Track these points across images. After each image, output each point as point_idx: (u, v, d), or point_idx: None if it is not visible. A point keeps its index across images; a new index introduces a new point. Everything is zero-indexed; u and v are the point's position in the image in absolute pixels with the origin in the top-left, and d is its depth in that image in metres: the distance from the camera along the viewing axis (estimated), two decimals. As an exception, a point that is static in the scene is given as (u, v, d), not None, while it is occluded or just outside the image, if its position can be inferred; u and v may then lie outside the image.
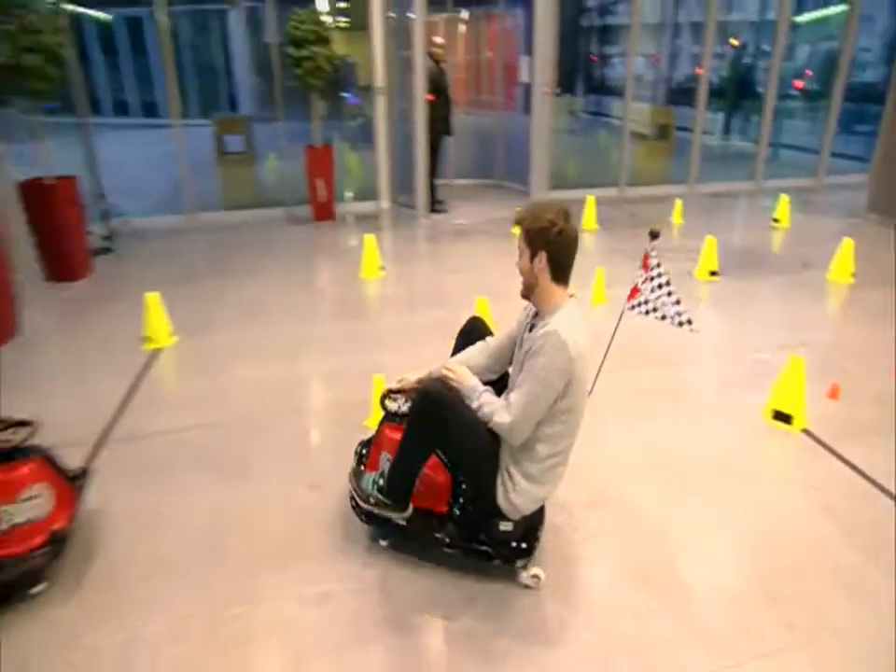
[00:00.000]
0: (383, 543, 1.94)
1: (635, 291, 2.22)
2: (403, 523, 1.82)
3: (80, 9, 11.61)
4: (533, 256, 1.64)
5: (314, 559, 1.91)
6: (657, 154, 8.16)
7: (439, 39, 5.88)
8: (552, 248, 1.61)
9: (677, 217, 5.81)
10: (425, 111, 5.43)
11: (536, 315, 1.72)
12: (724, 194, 6.98)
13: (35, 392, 2.90)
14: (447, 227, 5.69)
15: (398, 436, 1.79)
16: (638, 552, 1.95)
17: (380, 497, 1.79)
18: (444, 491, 1.85)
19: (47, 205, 4.10)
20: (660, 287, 2.09)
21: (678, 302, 2.11)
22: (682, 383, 3.03)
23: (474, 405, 1.65)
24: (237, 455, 2.44)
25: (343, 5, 12.73)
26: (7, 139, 4.37)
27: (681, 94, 10.48)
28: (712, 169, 7.29)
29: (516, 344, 1.78)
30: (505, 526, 1.72)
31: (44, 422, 1.90)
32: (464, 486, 1.84)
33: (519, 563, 1.77)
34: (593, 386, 2.23)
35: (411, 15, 5.43)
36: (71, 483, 1.94)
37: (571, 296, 1.68)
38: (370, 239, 4.31)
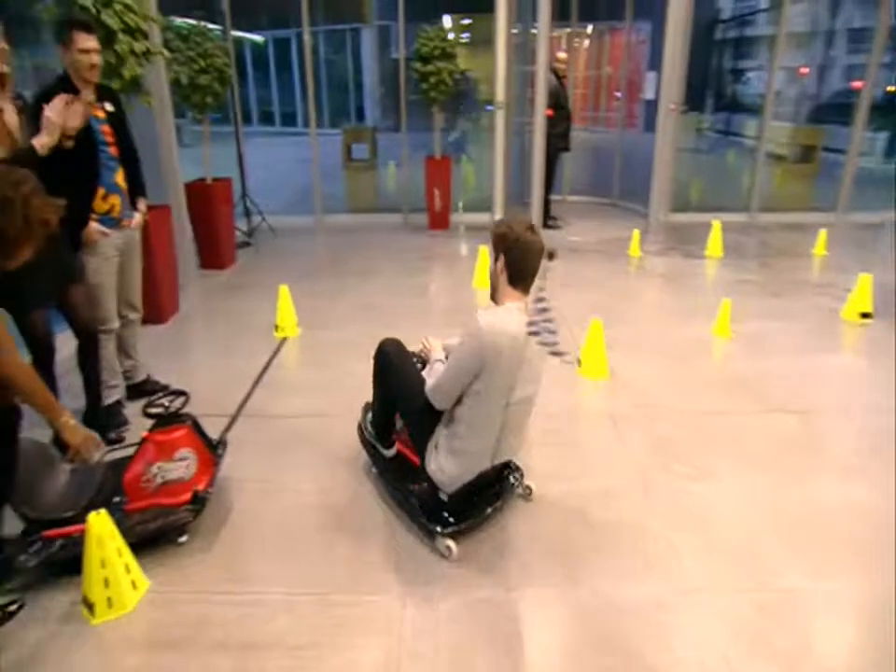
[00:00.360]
0: (374, 470, 2.33)
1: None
2: (388, 457, 2.22)
3: (241, 34, 13.10)
4: (496, 259, 1.84)
5: (419, 559, 1.96)
6: (798, 177, 7.49)
7: (562, 55, 5.91)
8: (509, 253, 1.81)
9: (819, 248, 5.28)
10: (544, 126, 5.44)
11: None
12: (881, 225, 6.17)
13: (185, 363, 3.32)
14: (560, 243, 5.62)
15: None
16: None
17: (371, 431, 2.22)
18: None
19: (206, 202, 4.70)
20: (544, 310, 1.86)
21: (554, 332, 1.86)
22: (820, 433, 2.73)
23: (424, 372, 1.99)
24: (348, 444, 2.57)
25: (467, 21, 13.16)
26: (180, 144, 5.01)
27: (831, 111, 9.50)
28: (868, 196, 6.51)
29: None
30: (442, 496, 1.96)
31: (190, 391, 2.15)
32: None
33: (439, 529, 1.94)
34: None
35: (534, 30, 5.48)
36: (211, 450, 2.17)
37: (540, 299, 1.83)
38: (483, 250, 4.38)
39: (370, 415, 2.30)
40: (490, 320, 1.76)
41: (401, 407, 2.07)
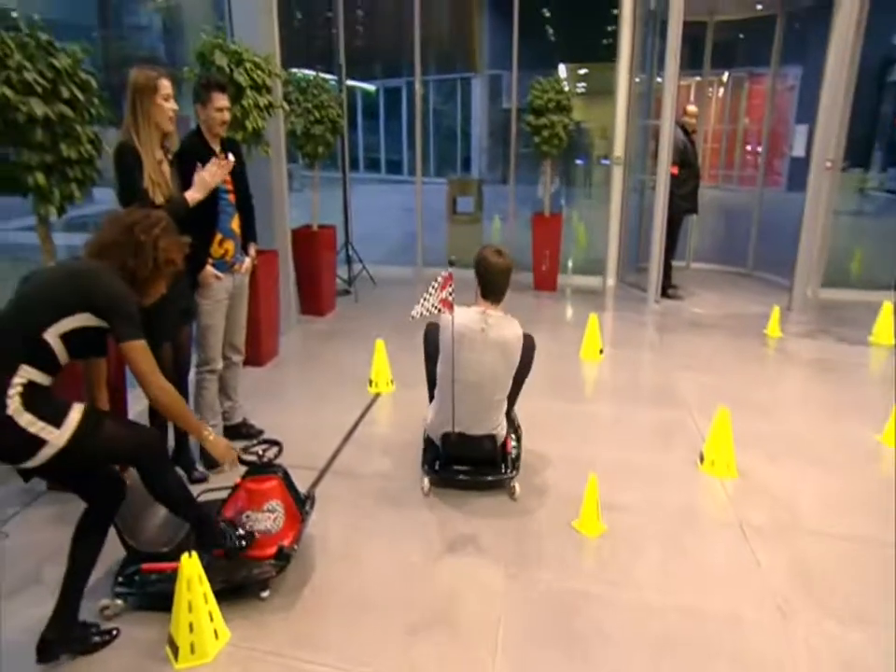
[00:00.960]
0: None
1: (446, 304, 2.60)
2: None
3: (355, 83, 14.65)
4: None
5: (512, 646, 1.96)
6: None
7: (692, 108, 5.93)
8: (477, 271, 2.76)
9: None
10: (667, 184, 5.47)
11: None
12: None
13: (280, 409, 3.64)
14: (681, 315, 5.55)
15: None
16: None
17: None
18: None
19: (311, 249, 5.23)
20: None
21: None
22: None
23: None
24: (438, 514, 2.68)
25: (583, 71, 13.77)
26: (289, 188, 5.61)
27: None
28: None
29: None
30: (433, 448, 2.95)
31: (281, 439, 2.36)
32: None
33: (425, 468, 2.90)
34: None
35: (660, 80, 5.60)
36: (299, 506, 2.33)
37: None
38: (593, 318, 4.44)
39: None
40: (448, 317, 2.60)
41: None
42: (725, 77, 12.47)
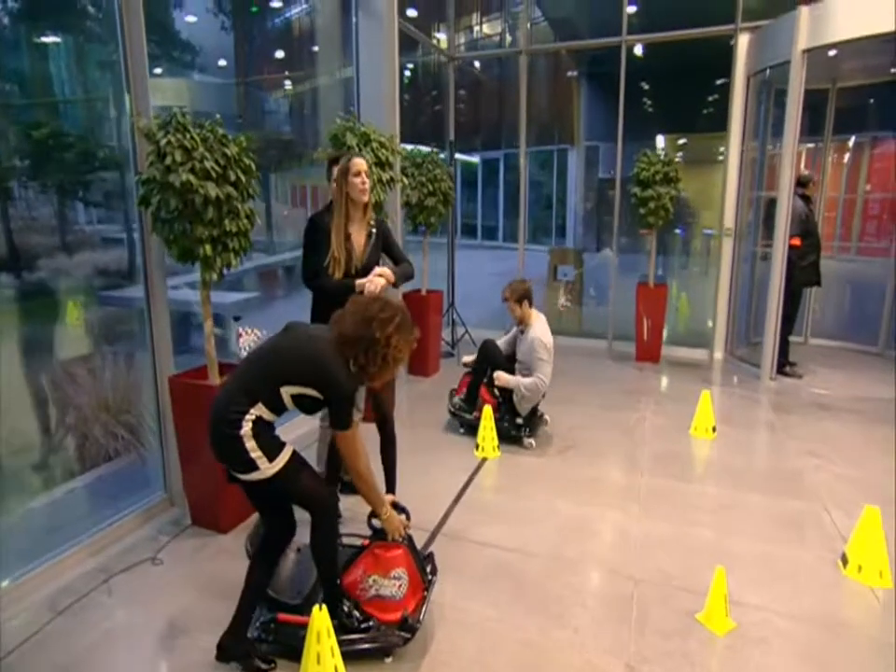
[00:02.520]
0: (461, 430, 4.34)
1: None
2: (471, 419, 4.24)
3: (459, 156, 15.58)
4: (521, 305, 4.08)
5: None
6: None
7: (809, 173, 5.74)
8: (526, 297, 4.08)
9: None
10: (785, 256, 5.29)
11: (523, 328, 4.16)
12: None
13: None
14: (801, 396, 5.22)
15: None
16: None
17: (462, 405, 4.29)
18: (492, 408, 4.11)
19: (420, 312, 5.49)
20: None
21: None
22: None
23: (511, 385, 4.08)
24: (549, 594, 2.63)
25: (682, 141, 13.83)
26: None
27: None
28: None
29: (517, 341, 4.27)
30: (519, 420, 4.15)
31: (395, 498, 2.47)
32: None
33: (524, 434, 4.12)
34: None
35: (772, 147, 5.50)
36: (422, 575, 2.39)
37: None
38: (706, 394, 4.31)
39: (456, 398, 4.40)
40: (541, 332, 4.04)
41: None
42: (845, 142, 11.99)
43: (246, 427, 1.97)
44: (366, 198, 2.89)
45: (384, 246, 3.09)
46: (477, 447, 4.04)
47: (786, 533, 3.10)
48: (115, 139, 4.04)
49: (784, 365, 5.60)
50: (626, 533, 3.11)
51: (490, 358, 4.18)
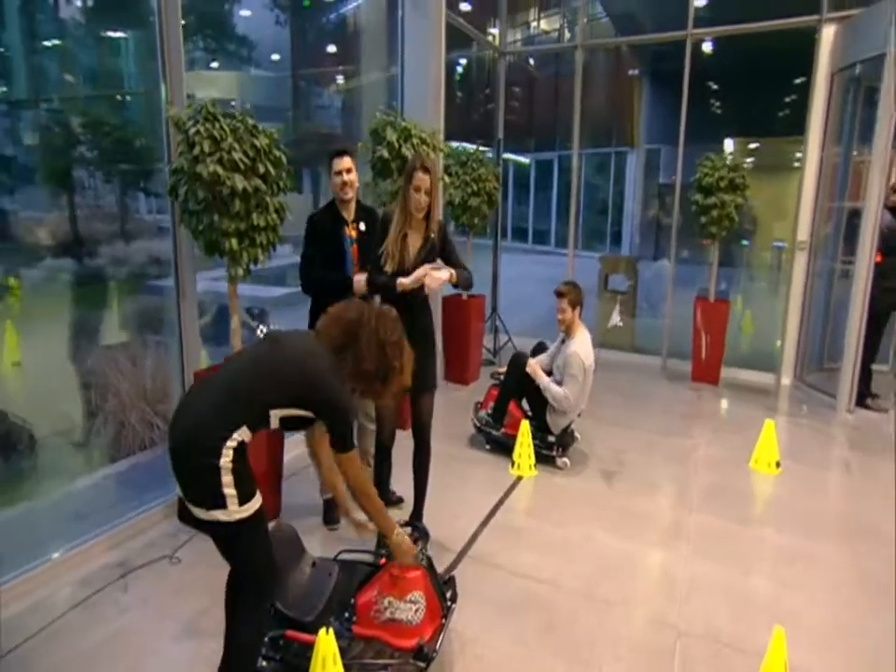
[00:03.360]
0: (487, 447, 4.18)
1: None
2: (499, 434, 4.10)
3: (510, 156, 15.45)
4: (574, 310, 3.90)
5: None
6: None
7: None
8: (581, 306, 3.94)
9: None
10: (870, 275, 4.89)
11: (565, 336, 4.03)
12: None
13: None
14: (883, 433, 4.76)
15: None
16: None
17: (489, 420, 4.13)
18: (518, 422, 3.98)
19: (460, 317, 5.43)
20: None
21: None
22: None
23: (541, 385, 3.92)
24: (580, 636, 2.45)
25: (753, 146, 13.26)
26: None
27: None
28: None
29: (557, 352, 4.09)
30: (550, 438, 3.97)
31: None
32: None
33: (556, 454, 3.96)
34: None
35: (857, 153, 5.11)
36: (441, 601, 2.26)
37: None
38: (769, 424, 3.98)
39: (482, 412, 4.24)
40: (583, 348, 3.85)
41: (532, 399, 4.02)
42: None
43: (227, 458, 1.72)
44: (420, 215, 2.79)
45: (442, 252, 2.99)
46: (512, 464, 3.87)
47: (861, 596, 2.76)
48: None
49: (865, 396, 5.15)
50: (671, 575, 2.87)
51: (524, 373, 3.96)
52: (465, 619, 2.48)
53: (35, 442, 3.47)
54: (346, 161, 3.09)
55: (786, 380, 5.76)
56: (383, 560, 2.26)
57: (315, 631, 1.93)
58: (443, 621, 2.23)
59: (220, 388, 1.85)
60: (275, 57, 8.93)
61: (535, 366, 3.95)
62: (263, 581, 1.90)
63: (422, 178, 2.70)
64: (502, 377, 4.16)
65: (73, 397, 3.87)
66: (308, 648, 1.97)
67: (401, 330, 2.04)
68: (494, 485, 3.67)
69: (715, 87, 12.89)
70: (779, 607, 2.64)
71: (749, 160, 13.25)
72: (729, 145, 12.02)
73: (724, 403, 5.39)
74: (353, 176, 3.12)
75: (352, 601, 2.23)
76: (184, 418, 1.82)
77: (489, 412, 4.16)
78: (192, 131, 2.81)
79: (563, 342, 4.02)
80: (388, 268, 2.78)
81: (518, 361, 4.01)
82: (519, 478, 3.80)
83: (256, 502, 1.81)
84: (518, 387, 4.01)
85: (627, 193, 15.45)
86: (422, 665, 2.07)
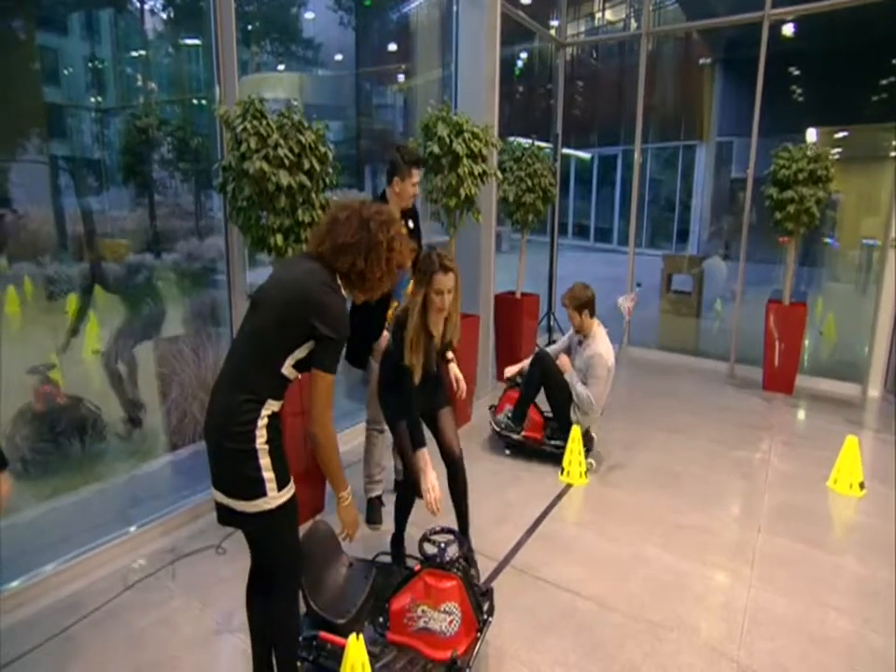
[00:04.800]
0: (507, 452, 4.08)
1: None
2: (519, 438, 4.01)
3: (571, 151, 15.13)
4: (580, 314, 3.78)
5: None
6: None
7: None
8: (591, 306, 3.79)
9: None
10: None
11: (581, 337, 3.91)
12: None
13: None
14: None
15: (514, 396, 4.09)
16: None
17: (509, 423, 4.02)
18: (539, 426, 4.06)
19: (513, 315, 5.33)
20: None
21: None
22: None
23: (569, 380, 3.82)
24: (628, 662, 2.30)
25: (841, 135, 12.38)
26: (498, 250, 5.78)
27: None
28: None
29: (572, 346, 4.01)
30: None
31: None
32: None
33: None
34: None
35: None
36: (477, 614, 2.17)
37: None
38: (852, 441, 3.63)
39: (499, 416, 4.12)
40: (605, 348, 3.75)
41: (555, 401, 3.90)
42: None
43: (261, 438, 1.70)
44: (442, 316, 2.58)
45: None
46: (561, 471, 3.73)
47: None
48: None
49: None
50: (732, 602, 2.65)
51: (547, 372, 3.85)
52: (503, 632, 2.39)
53: (105, 428, 3.70)
54: (421, 174, 3.17)
55: (874, 391, 5.31)
56: (418, 566, 2.17)
57: (348, 634, 1.89)
58: (478, 634, 2.15)
59: (234, 366, 1.79)
60: (338, 57, 9.10)
61: (565, 359, 3.88)
62: (298, 567, 1.91)
63: (442, 280, 2.47)
64: (520, 378, 4.05)
65: (142, 386, 4.08)
66: (341, 650, 1.92)
67: (392, 215, 1.87)
68: (541, 492, 3.55)
69: (796, 72, 12.14)
70: (861, 648, 2.38)
71: (835, 150, 12.36)
72: (812, 134, 11.25)
73: (799, 414, 5.01)
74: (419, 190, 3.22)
75: (386, 606, 2.19)
76: (213, 404, 1.80)
77: (508, 414, 4.07)
78: (240, 128, 2.84)
79: (580, 343, 3.90)
80: (416, 377, 2.52)
81: (543, 359, 3.89)
82: (568, 486, 3.65)
83: (292, 486, 1.81)
84: (539, 387, 3.92)
85: (696, 189, 14.81)
86: None
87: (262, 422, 1.71)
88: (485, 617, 2.21)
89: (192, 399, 3.84)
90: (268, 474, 1.71)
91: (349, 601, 2.18)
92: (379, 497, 3.28)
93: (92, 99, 5.10)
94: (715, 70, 14.31)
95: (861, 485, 3.60)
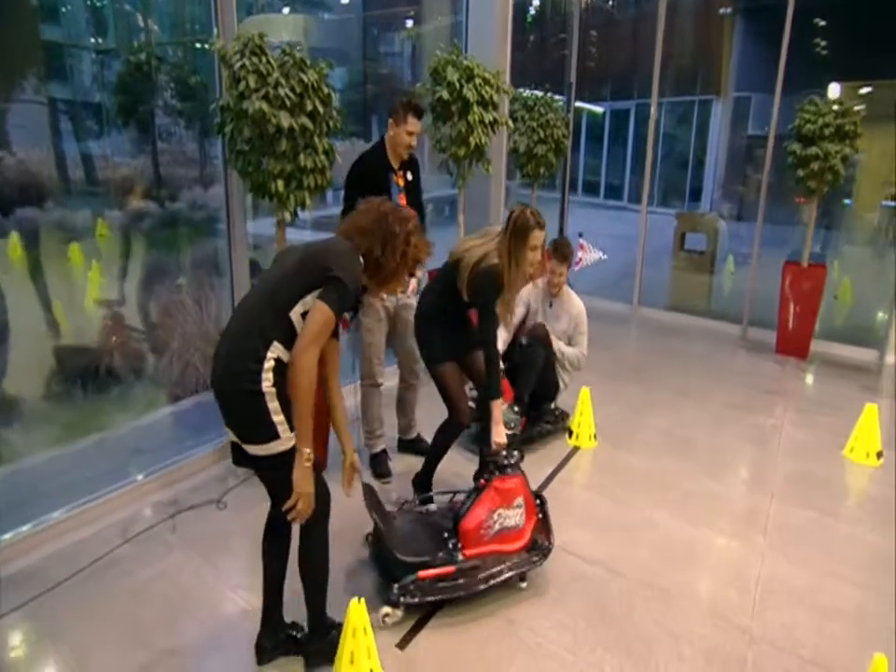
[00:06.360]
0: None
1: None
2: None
3: (583, 104, 14.56)
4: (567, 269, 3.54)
5: None
6: None
7: None
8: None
9: None
10: None
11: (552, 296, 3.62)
12: None
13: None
14: None
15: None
16: None
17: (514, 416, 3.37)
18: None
19: None
20: None
21: None
22: None
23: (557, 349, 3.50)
24: (635, 628, 2.23)
25: (866, 90, 11.84)
26: (506, 207, 5.54)
27: None
28: None
29: (535, 313, 3.65)
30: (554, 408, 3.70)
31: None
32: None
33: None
34: None
35: None
36: (534, 497, 2.51)
37: None
38: (871, 408, 3.49)
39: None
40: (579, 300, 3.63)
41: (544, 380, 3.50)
42: None
43: (268, 381, 1.68)
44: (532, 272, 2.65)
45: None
46: (570, 434, 3.61)
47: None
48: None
49: None
50: (745, 570, 2.57)
51: (546, 363, 3.45)
52: (507, 597, 2.33)
53: (114, 375, 3.73)
54: (420, 125, 3.02)
55: (891, 358, 5.12)
56: (483, 481, 2.37)
57: (438, 564, 2.21)
58: (539, 515, 2.51)
59: (245, 308, 1.82)
60: (345, 0, 8.65)
61: (561, 344, 3.54)
62: (325, 502, 1.86)
63: (539, 236, 2.54)
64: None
65: (145, 336, 4.08)
66: (441, 578, 2.20)
67: (409, 214, 1.93)
68: (549, 455, 3.44)
69: (821, 23, 11.52)
70: (875, 623, 2.30)
71: (857, 107, 11.82)
72: (835, 90, 10.73)
73: (813, 380, 4.86)
74: (416, 140, 3.05)
75: (454, 528, 2.34)
76: (220, 347, 1.79)
77: (514, 408, 3.42)
78: (238, 65, 2.62)
79: (550, 304, 3.60)
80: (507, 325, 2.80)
81: (538, 333, 3.47)
82: (576, 448, 3.54)
83: None
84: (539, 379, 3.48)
85: (710, 145, 14.29)
86: (538, 557, 2.36)
87: (269, 364, 1.69)
88: (539, 499, 2.56)
89: (195, 349, 3.76)
90: (278, 417, 1.70)
91: (420, 540, 2.35)
92: (384, 451, 3.23)
93: (92, 39, 4.86)
94: (735, 21, 13.62)
95: (879, 454, 3.48)
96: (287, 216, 2.90)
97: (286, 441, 1.71)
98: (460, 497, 2.56)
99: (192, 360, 3.73)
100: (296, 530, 1.90)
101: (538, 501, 2.54)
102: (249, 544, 2.53)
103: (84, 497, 2.78)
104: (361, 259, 1.81)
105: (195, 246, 4.92)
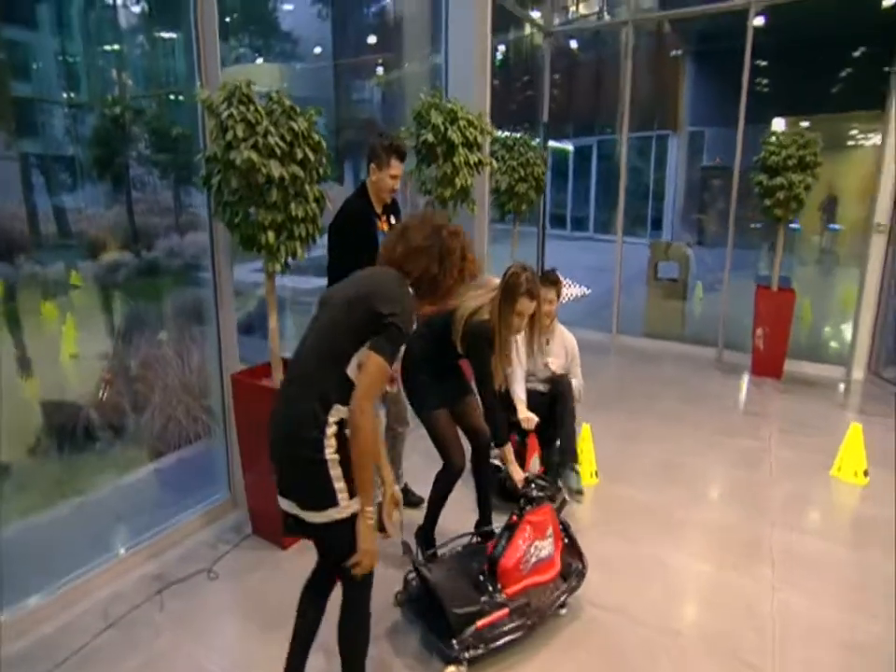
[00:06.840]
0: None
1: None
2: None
3: (555, 144, 14.84)
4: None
5: None
6: None
7: None
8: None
9: None
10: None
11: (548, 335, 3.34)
12: None
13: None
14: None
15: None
16: None
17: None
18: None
19: None
20: None
21: None
22: None
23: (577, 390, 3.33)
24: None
25: (805, 124, 12.33)
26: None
27: None
28: None
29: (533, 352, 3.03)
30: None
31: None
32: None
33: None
34: None
35: None
36: (560, 525, 2.45)
37: None
38: (856, 428, 3.47)
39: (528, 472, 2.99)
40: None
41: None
42: None
43: (331, 448, 1.57)
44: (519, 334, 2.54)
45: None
46: (577, 476, 3.43)
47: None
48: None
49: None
50: (757, 607, 2.44)
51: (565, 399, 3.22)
52: (523, 649, 2.16)
53: (94, 432, 3.48)
54: (402, 167, 2.88)
55: (858, 374, 5.17)
56: (514, 517, 2.29)
57: (488, 610, 2.12)
58: (564, 540, 2.45)
59: (300, 364, 1.66)
60: (317, 50, 8.67)
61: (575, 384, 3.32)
62: (371, 573, 1.71)
63: (527, 305, 2.39)
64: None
65: (124, 389, 3.78)
66: (499, 624, 2.11)
67: (459, 227, 1.79)
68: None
69: (763, 64, 12.01)
70: (886, 646, 2.19)
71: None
72: (779, 124, 11.17)
73: (792, 400, 4.81)
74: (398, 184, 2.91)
75: (492, 570, 2.24)
76: (277, 412, 1.66)
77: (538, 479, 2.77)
78: (225, 114, 2.49)
79: (547, 342, 3.31)
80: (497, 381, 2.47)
81: (563, 386, 3.24)
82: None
83: None
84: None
85: (669, 177, 14.69)
86: (578, 581, 2.35)
87: (331, 430, 1.58)
88: (562, 524, 2.47)
89: (177, 403, 3.59)
90: (339, 484, 1.59)
91: (467, 588, 2.22)
92: (405, 484, 3.12)
93: (64, 94, 4.71)
94: (685, 62, 14.13)
95: (865, 473, 3.44)
96: (279, 267, 2.76)
97: (343, 509, 1.59)
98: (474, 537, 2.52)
99: (175, 414, 3.54)
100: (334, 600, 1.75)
101: (561, 526, 2.47)
102: (246, 618, 2.33)
103: (62, 579, 2.47)
104: (411, 288, 1.67)
105: (174, 295, 4.73)
